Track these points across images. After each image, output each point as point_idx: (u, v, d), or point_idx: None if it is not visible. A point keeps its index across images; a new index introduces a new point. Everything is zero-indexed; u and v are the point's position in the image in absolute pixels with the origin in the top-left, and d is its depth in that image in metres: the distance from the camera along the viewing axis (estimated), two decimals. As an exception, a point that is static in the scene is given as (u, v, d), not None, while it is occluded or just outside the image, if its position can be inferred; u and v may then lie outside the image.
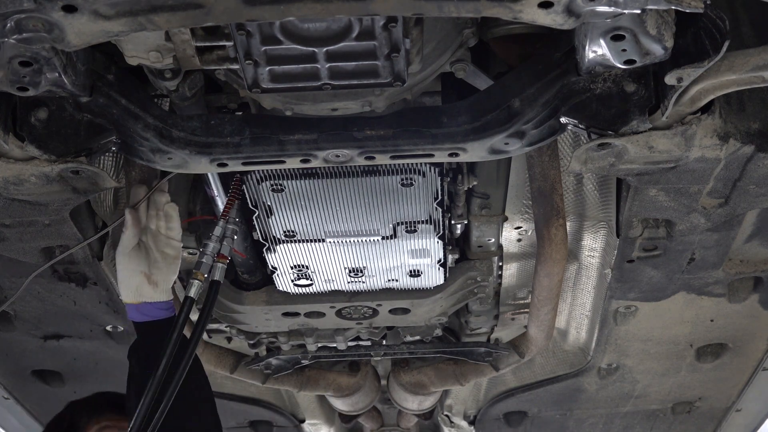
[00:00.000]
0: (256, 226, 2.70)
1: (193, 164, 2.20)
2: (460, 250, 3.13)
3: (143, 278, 2.41)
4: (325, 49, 1.91)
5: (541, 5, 1.67)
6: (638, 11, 1.70)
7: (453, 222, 2.92)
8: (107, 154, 2.41)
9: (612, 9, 1.68)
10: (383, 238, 2.75)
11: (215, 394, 2.64)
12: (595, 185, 2.86)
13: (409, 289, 3.10)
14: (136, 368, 2.41)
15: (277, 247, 2.80)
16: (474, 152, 2.18)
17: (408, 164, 2.44)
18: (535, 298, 3.04)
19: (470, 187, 2.80)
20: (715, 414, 4.07)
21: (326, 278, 3.00)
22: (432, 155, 2.19)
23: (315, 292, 3.11)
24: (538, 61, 2.12)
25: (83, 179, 2.25)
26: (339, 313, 3.20)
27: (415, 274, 2.98)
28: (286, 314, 3.17)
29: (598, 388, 3.83)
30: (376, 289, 3.10)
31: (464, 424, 4.42)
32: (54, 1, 1.61)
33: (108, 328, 3.22)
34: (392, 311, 3.20)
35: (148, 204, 2.42)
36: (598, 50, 1.89)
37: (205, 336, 3.48)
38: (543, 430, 4.27)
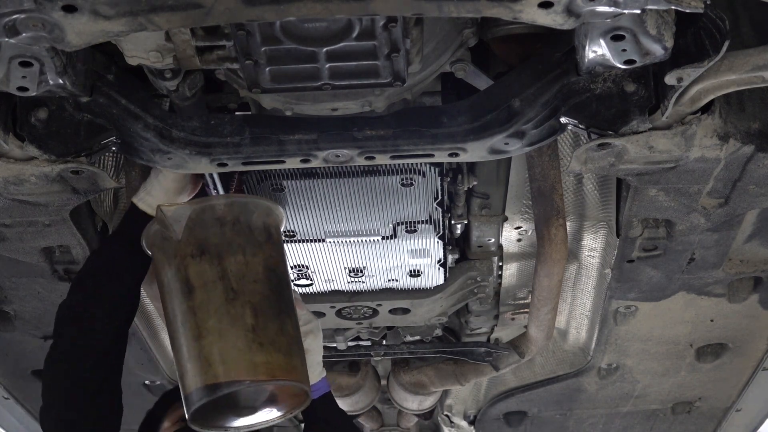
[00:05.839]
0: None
1: (193, 164, 2.20)
2: (460, 250, 3.13)
3: None
4: (325, 49, 1.91)
5: (541, 5, 1.67)
6: (638, 11, 1.70)
7: (453, 222, 2.92)
8: (107, 154, 2.40)
9: (612, 9, 1.68)
10: (383, 238, 2.75)
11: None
12: (595, 185, 2.86)
13: (409, 289, 3.10)
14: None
15: (277, 247, 2.80)
16: (474, 152, 2.18)
17: (408, 164, 2.44)
18: (535, 298, 3.04)
19: (470, 187, 2.80)
20: (715, 414, 4.07)
21: (326, 278, 3.00)
22: (432, 155, 2.19)
23: (315, 292, 3.11)
24: (538, 61, 2.12)
25: (83, 179, 2.25)
26: (339, 313, 3.20)
27: (415, 274, 2.98)
28: (286, 314, 3.17)
29: (598, 388, 3.83)
30: (376, 289, 3.10)
31: (464, 424, 4.42)
32: (54, 1, 1.61)
33: (108, 328, 3.22)
34: (392, 311, 3.20)
35: None
36: (598, 50, 1.89)
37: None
38: (543, 430, 4.27)
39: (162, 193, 2.38)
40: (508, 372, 3.71)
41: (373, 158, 2.20)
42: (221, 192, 2.54)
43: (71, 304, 2.33)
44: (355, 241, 2.77)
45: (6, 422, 3.85)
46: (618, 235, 2.71)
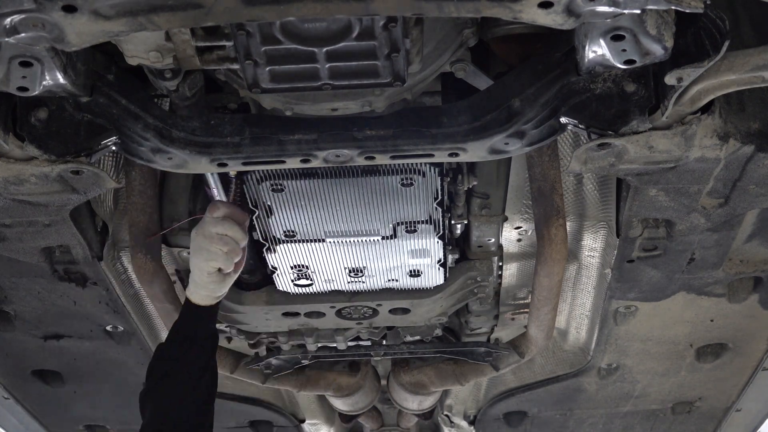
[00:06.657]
0: (256, 226, 2.70)
1: (193, 164, 2.20)
2: (460, 250, 3.13)
3: None
4: (325, 49, 1.91)
5: (541, 5, 1.67)
6: (638, 11, 1.70)
7: (453, 222, 2.92)
8: (107, 154, 2.40)
9: (612, 9, 1.68)
10: (383, 238, 2.75)
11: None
12: (595, 185, 2.86)
13: (409, 289, 3.10)
14: None
15: (277, 247, 2.80)
16: (474, 152, 2.18)
17: (408, 164, 2.44)
18: (535, 298, 3.04)
19: (470, 187, 2.80)
20: (715, 414, 4.07)
21: (326, 278, 3.00)
22: (432, 155, 2.19)
23: (315, 292, 3.11)
24: (538, 61, 2.12)
25: (83, 179, 2.25)
26: (339, 313, 3.20)
27: (415, 274, 2.98)
28: (286, 314, 3.17)
29: (598, 388, 3.83)
30: (376, 289, 3.10)
31: (464, 424, 4.42)
32: (54, 1, 1.61)
33: (108, 328, 3.22)
34: (392, 311, 3.20)
35: None
36: (598, 50, 1.89)
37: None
38: (543, 430, 4.27)
39: (203, 276, 2.45)
40: (508, 372, 3.71)
41: (373, 158, 2.20)
42: (221, 193, 2.54)
43: (148, 391, 2.45)
44: (355, 241, 2.77)
45: (6, 422, 3.85)
46: (618, 235, 2.71)
